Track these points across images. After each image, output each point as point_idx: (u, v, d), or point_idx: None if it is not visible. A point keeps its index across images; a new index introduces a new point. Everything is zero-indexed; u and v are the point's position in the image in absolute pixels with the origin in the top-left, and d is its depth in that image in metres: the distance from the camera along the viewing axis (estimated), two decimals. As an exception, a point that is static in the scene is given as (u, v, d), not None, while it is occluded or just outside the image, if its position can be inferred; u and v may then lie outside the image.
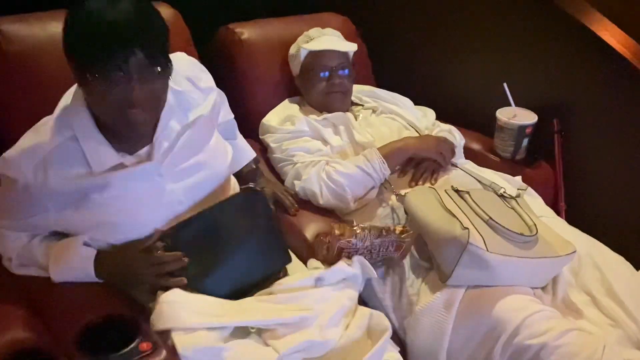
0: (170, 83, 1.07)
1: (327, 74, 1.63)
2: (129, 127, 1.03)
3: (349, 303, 1.19)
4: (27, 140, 1.07)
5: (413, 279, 1.34)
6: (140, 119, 1.02)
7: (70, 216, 1.09)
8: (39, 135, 1.06)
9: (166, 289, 1.07)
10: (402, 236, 1.26)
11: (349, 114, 1.64)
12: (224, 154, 1.26)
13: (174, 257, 1.07)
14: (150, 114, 1.05)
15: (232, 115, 1.43)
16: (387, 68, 2.05)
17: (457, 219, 1.27)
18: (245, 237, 1.16)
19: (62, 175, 1.05)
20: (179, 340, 1.00)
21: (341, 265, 1.21)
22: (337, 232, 1.23)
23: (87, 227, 1.10)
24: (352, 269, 1.22)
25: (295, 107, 1.69)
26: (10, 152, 1.06)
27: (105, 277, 1.11)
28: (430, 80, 2.07)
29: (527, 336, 1.16)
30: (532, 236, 1.29)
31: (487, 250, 1.22)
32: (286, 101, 1.73)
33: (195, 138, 1.17)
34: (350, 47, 1.69)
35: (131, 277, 1.09)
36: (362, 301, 1.27)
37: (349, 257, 1.24)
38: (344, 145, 1.57)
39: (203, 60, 1.63)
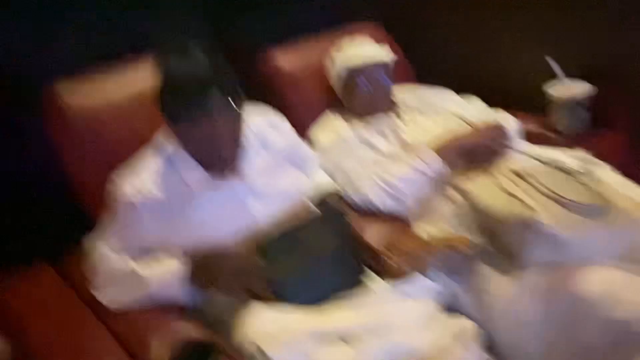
0: (248, 123, 1.25)
1: (365, 82, 1.64)
2: (217, 161, 1.22)
3: (433, 311, 1.20)
4: (131, 166, 1.27)
5: (487, 271, 1.29)
6: (225, 153, 1.22)
7: (165, 231, 1.21)
8: (140, 161, 1.26)
9: (254, 295, 1.15)
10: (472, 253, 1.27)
11: (394, 117, 1.64)
12: (301, 181, 1.39)
13: (263, 265, 1.15)
14: (233, 147, 1.23)
15: (310, 152, 1.52)
16: (425, 63, 2.03)
17: (521, 200, 1.24)
18: (327, 252, 1.23)
19: (160, 190, 1.21)
20: (267, 346, 1.05)
21: (421, 277, 1.23)
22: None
23: (178, 242, 1.21)
24: (432, 281, 1.25)
25: (339, 118, 1.71)
26: (118, 175, 1.25)
27: (197, 282, 1.18)
28: (472, 67, 2.03)
29: (623, 309, 1.09)
30: (604, 205, 1.23)
31: (557, 226, 1.18)
32: (329, 113, 1.74)
33: (274, 166, 1.33)
34: (385, 56, 1.69)
35: (225, 279, 1.17)
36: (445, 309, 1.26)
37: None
38: (394, 148, 1.56)
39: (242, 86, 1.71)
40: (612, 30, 1.65)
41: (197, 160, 1.23)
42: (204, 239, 1.21)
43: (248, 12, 2.00)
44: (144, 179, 1.23)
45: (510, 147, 1.53)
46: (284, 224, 1.23)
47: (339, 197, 1.48)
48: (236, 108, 1.19)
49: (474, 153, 1.49)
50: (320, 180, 1.50)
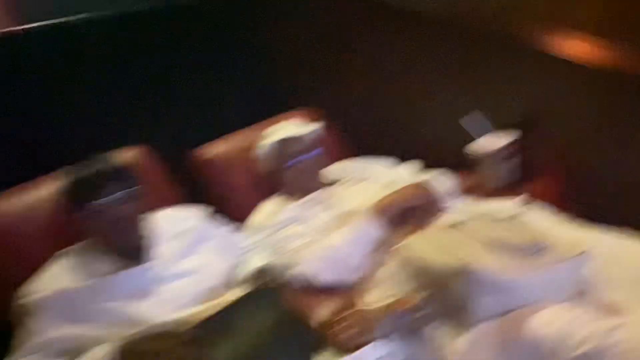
0: (154, 224, 1.43)
1: (293, 161, 1.66)
2: (124, 248, 1.35)
3: None
4: (38, 275, 1.33)
5: (438, 329, 1.25)
6: (132, 240, 1.36)
7: (81, 324, 1.24)
8: (47, 270, 1.34)
9: None
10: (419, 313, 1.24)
11: (330, 190, 1.64)
12: (216, 261, 1.46)
13: (198, 350, 1.14)
14: (137, 234, 1.37)
15: (225, 232, 1.58)
16: (363, 140, 2.09)
17: (457, 252, 1.22)
18: (265, 332, 1.20)
19: (68, 284, 1.28)
20: None
21: (372, 347, 1.20)
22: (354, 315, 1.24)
23: (96, 332, 1.23)
24: (384, 347, 1.21)
25: (277, 201, 1.71)
26: (26, 285, 1.30)
27: None
28: (407, 136, 2.09)
29: (574, 346, 1.06)
30: (540, 244, 1.23)
31: (497, 272, 1.16)
32: (267, 201, 1.74)
33: (188, 252, 1.43)
34: (309, 129, 1.73)
35: None
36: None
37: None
38: (332, 220, 1.55)
39: (180, 186, 1.72)
40: (526, 86, 1.74)
41: (105, 249, 1.34)
42: (123, 325, 1.22)
43: (181, 111, 2.06)
44: (48, 279, 1.30)
45: (445, 204, 1.54)
46: (213, 306, 1.24)
47: (273, 275, 1.47)
48: (137, 199, 1.36)
49: (408, 211, 1.49)
50: (253, 261, 1.51)
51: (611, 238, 1.38)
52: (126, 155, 1.65)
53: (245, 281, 1.44)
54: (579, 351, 1.05)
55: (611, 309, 1.20)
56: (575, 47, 1.60)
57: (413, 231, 1.45)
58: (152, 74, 2.01)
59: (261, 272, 1.46)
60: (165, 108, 2.00)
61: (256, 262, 1.51)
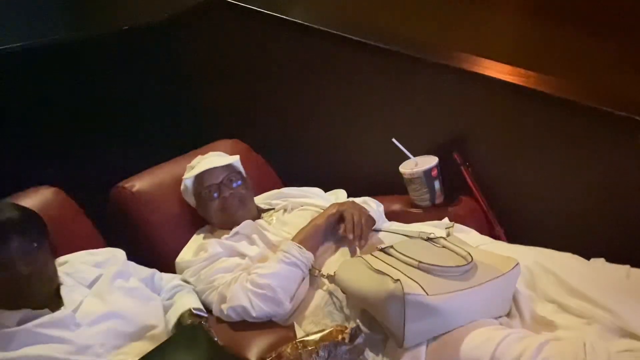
0: (66, 270, 1.37)
1: (216, 193, 1.62)
2: (31, 294, 1.26)
3: None
4: None
5: (372, 357, 1.25)
6: (32, 290, 1.26)
7: None
8: None
9: None
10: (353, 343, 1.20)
11: (259, 221, 1.61)
12: (140, 304, 1.39)
13: None
14: (39, 283, 1.27)
15: (146, 273, 1.51)
16: (291, 170, 2.07)
17: (388, 275, 1.22)
18: None
19: None
20: None
21: None
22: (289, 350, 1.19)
23: None
24: None
25: (205, 235, 1.65)
26: None
27: None
28: (334, 163, 2.10)
29: None
30: (469, 264, 1.24)
31: (427, 294, 1.16)
32: (195, 234, 1.69)
33: (100, 294, 1.35)
34: (229, 160, 1.69)
35: None
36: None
37: None
38: (263, 251, 1.51)
39: (100, 224, 1.64)
40: (446, 111, 1.80)
41: (11, 304, 1.25)
42: None
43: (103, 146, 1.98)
44: None
45: (378, 228, 1.55)
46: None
47: (205, 311, 1.42)
48: (40, 250, 1.28)
49: (334, 228, 1.50)
50: (184, 298, 1.45)
51: (537, 252, 1.42)
52: (35, 197, 1.56)
53: (176, 319, 1.38)
54: None
55: (543, 322, 1.24)
56: (497, 70, 1.67)
57: (343, 255, 1.45)
58: (69, 107, 1.92)
59: (192, 309, 1.40)
60: (82, 143, 1.91)
61: (187, 299, 1.45)
